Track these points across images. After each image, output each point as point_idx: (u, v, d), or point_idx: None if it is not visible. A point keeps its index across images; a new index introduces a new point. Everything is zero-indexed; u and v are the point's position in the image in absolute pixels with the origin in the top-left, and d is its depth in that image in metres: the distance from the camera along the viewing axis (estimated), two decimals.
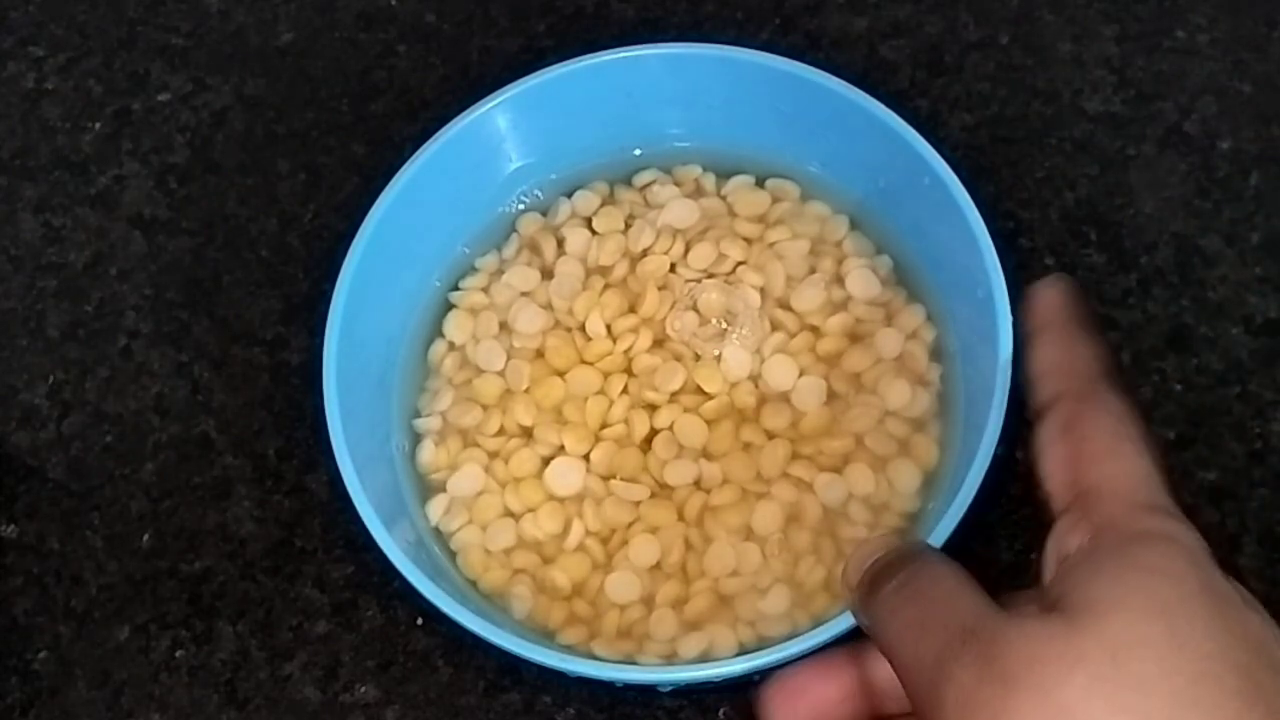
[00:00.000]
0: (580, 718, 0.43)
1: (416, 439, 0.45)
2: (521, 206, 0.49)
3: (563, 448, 0.44)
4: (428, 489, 0.45)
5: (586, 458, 0.44)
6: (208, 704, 0.44)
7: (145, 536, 0.47)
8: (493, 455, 0.45)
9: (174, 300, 0.51)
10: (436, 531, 0.44)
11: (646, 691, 0.43)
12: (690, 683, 0.41)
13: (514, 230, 0.48)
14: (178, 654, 0.45)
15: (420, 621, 0.44)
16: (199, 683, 0.44)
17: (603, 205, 0.48)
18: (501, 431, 0.45)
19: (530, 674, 0.43)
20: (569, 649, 0.42)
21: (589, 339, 0.46)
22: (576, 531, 0.43)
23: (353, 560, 0.45)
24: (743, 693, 0.43)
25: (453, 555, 0.44)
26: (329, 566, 0.46)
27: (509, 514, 0.44)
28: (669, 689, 0.43)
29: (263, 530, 0.46)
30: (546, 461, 0.44)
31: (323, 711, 0.44)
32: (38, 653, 0.45)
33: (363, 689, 0.44)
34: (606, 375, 0.45)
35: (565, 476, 0.44)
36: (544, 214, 0.49)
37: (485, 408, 0.45)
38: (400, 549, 0.40)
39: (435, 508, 0.44)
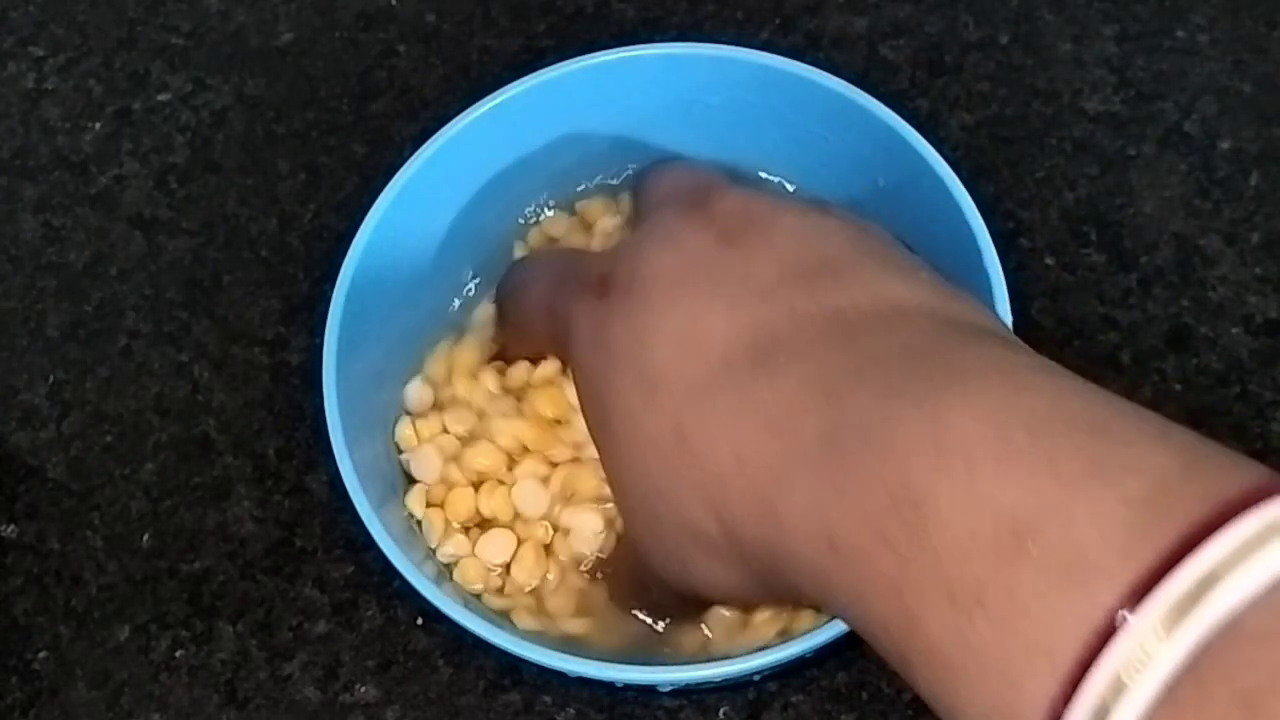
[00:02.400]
0: (580, 718, 0.43)
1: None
2: (523, 206, 0.49)
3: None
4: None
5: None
6: (208, 704, 0.44)
7: (145, 536, 0.47)
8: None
9: (174, 300, 0.51)
10: None
11: (646, 691, 0.43)
12: (690, 683, 0.41)
13: (518, 239, 0.48)
14: (178, 654, 0.45)
15: (420, 621, 0.44)
16: (199, 683, 0.44)
17: (604, 208, 0.48)
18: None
19: (530, 674, 0.43)
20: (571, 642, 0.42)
21: None
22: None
23: (353, 560, 0.45)
24: (743, 693, 0.43)
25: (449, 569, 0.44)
26: (329, 566, 0.46)
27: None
28: (669, 689, 0.43)
29: (263, 530, 0.46)
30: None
31: (323, 711, 0.44)
32: (38, 653, 0.45)
33: (363, 689, 0.44)
34: None
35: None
36: (549, 211, 0.48)
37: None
38: (400, 549, 0.40)
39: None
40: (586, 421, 0.39)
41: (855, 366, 0.32)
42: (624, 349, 0.36)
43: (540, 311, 0.41)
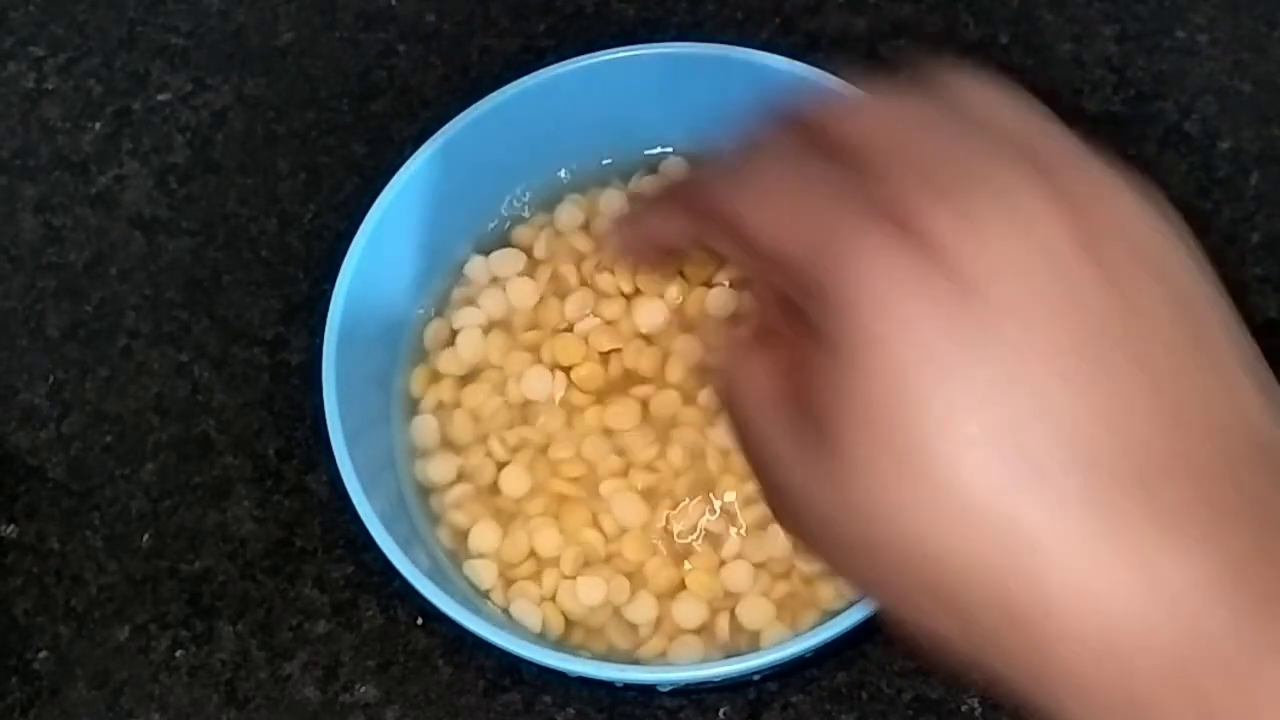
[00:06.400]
0: (580, 718, 0.43)
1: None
2: (523, 207, 0.49)
3: None
4: (428, 490, 0.45)
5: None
6: (208, 704, 0.44)
7: (145, 536, 0.47)
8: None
9: (174, 300, 0.51)
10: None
11: (646, 691, 0.43)
12: (690, 683, 0.41)
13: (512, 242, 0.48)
14: (178, 654, 0.45)
15: (420, 621, 0.44)
16: (199, 683, 0.44)
17: (605, 202, 0.48)
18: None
19: (530, 674, 0.43)
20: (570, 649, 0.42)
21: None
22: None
23: (353, 560, 0.45)
24: (743, 693, 0.43)
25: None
26: (329, 566, 0.46)
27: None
28: (669, 689, 0.43)
29: (263, 530, 0.46)
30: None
31: (323, 711, 0.44)
32: (38, 653, 0.45)
33: (363, 689, 0.44)
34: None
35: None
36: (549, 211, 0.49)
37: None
38: (400, 549, 0.40)
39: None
40: (815, 410, 0.25)
41: (1259, 540, 0.23)
42: (974, 380, 0.24)
43: (787, 223, 0.27)
